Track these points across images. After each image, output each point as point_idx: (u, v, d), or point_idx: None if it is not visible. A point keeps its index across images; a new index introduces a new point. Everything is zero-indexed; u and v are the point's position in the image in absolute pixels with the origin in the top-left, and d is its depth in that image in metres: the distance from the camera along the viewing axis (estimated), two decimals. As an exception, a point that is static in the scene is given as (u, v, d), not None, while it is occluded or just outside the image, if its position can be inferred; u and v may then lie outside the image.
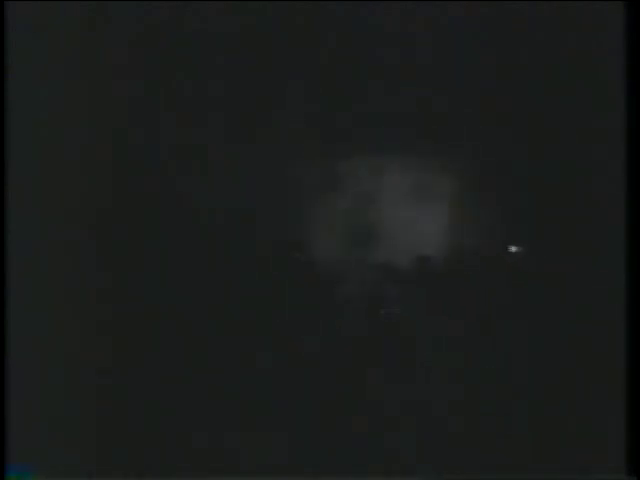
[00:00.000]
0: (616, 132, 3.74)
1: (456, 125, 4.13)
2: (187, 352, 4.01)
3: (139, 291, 4.03)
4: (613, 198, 3.81)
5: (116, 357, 3.96)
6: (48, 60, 3.95)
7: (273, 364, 4.00)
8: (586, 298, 4.02)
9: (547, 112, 4.11)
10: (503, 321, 4.05)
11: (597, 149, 4.05)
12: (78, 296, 3.98)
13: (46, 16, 3.91)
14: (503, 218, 4.15)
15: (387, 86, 4.11)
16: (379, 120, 4.13)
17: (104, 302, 4.00)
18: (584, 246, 4.05)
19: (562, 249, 4.08)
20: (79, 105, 4.04)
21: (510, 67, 4.12)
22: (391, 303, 4.11)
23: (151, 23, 4.07)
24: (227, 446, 3.89)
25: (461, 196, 4.19)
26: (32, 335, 3.81)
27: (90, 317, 3.97)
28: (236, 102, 4.13)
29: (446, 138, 4.15)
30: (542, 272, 4.09)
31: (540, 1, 4.04)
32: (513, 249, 4.10)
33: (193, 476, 3.76)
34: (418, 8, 4.07)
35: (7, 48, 3.71)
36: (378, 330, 4.08)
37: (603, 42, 3.93)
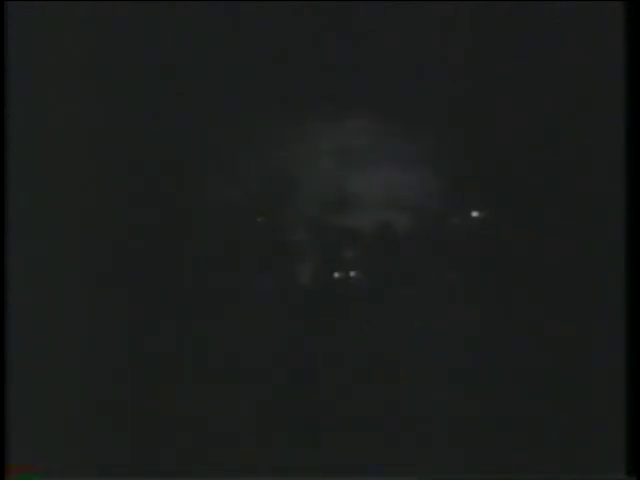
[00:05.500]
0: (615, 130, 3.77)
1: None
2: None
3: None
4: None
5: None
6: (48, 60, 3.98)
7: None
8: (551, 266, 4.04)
9: (546, 112, 4.12)
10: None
11: (596, 148, 4.06)
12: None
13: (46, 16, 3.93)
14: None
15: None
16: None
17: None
18: (548, 214, 4.08)
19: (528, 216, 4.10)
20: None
21: (509, 66, 4.12)
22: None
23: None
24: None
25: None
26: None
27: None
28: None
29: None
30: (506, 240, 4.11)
31: (540, 1, 4.04)
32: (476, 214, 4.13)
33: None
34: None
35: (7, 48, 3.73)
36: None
37: (603, 42, 3.94)
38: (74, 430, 3.86)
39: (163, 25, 4.08)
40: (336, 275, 4.18)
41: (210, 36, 4.11)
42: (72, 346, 3.94)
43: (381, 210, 4.19)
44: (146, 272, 4.04)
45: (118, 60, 4.08)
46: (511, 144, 4.11)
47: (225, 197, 4.15)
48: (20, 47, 3.85)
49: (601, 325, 3.92)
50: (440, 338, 4.01)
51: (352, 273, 4.18)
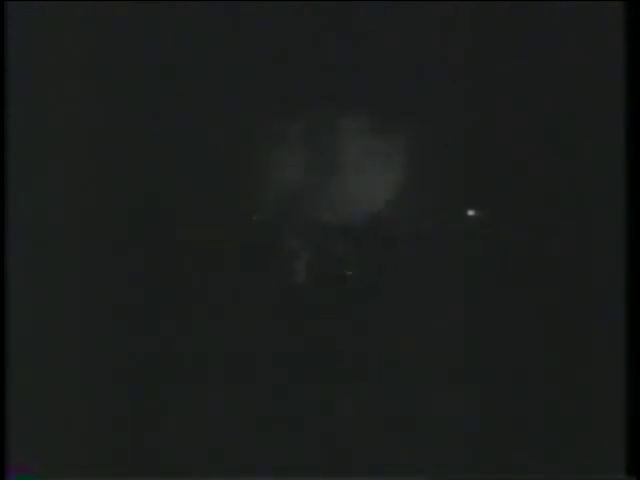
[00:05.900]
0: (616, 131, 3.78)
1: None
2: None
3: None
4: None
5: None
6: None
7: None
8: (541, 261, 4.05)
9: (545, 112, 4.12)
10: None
11: (596, 148, 4.06)
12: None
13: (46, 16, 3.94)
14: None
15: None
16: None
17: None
18: (539, 212, 4.08)
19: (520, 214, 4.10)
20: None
21: (508, 66, 4.12)
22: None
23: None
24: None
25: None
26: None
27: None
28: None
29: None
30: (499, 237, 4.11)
31: (540, 1, 4.04)
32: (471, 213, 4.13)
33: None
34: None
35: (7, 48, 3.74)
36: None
37: (603, 42, 3.94)
38: (74, 430, 3.88)
39: (163, 25, 4.09)
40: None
41: (210, 36, 4.12)
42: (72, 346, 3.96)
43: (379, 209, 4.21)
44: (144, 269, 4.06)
45: (118, 60, 4.08)
46: (511, 144, 4.12)
47: (223, 196, 4.16)
48: (20, 47, 3.86)
49: (601, 325, 3.93)
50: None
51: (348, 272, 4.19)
